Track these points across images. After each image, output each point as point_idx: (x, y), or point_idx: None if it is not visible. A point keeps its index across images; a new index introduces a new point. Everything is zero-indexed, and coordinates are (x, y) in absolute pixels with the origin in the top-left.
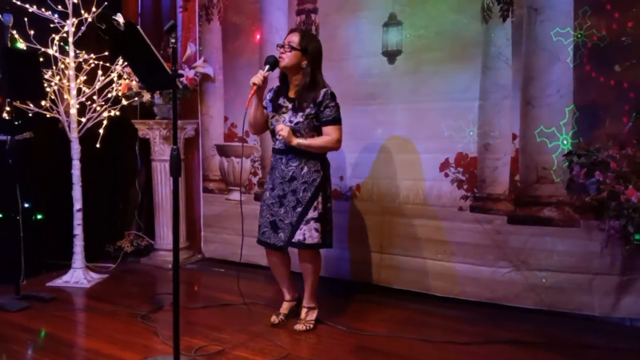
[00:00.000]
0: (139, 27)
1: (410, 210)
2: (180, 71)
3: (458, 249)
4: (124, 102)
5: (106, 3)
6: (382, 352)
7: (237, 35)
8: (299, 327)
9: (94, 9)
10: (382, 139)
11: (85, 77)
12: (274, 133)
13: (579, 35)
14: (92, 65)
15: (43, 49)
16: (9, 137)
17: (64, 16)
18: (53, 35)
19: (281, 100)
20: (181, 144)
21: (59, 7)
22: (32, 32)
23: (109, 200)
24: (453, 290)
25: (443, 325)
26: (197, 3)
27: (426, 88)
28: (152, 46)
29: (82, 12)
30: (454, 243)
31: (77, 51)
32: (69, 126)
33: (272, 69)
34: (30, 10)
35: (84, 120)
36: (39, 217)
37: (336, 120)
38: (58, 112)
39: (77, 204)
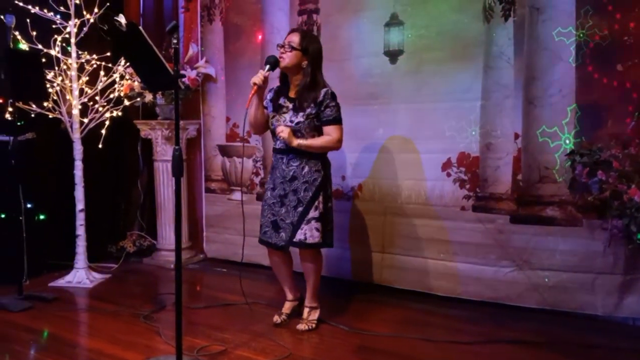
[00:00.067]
0: (140, 27)
1: (412, 210)
2: (182, 72)
3: (460, 248)
4: (126, 102)
5: (108, 4)
6: (385, 351)
7: (239, 36)
8: (301, 326)
9: (96, 10)
10: (383, 139)
11: (87, 78)
12: (274, 133)
13: (581, 35)
14: (95, 65)
15: (45, 50)
16: (11, 138)
17: (66, 17)
18: (55, 36)
19: (282, 100)
20: (183, 145)
21: (61, 8)
22: (34, 33)
23: (112, 201)
24: (455, 289)
25: (445, 325)
26: (198, 4)
27: (428, 88)
28: (154, 47)
29: (84, 13)
30: (456, 243)
31: (80, 52)
32: (71, 127)
33: (272, 68)
34: (33, 11)
35: (86, 120)
36: (42, 217)
37: (337, 120)
38: (60, 113)
39: (80, 205)
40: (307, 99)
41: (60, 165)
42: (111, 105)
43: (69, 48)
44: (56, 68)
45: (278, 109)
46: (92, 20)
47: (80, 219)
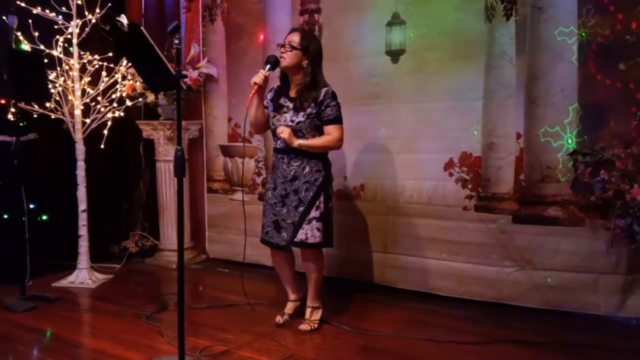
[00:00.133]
0: (142, 28)
1: (414, 209)
2: (184, 72)
3: (462, 248)
4: (128, 102)
5: (110, 4)
6: (387, 352)
7: (241, 36)
8: (304, 327)
9: (97, 10)
10: (385, 139)
11: (89, 78)
12: (275, 133)
13: (583, 34)
14: (96, 66)
15: (47, 51)
16: (14, 138)
17: (68, 17)
18: (57, 37)
19: (282, 100)
20: (185, 145)
21: (63, 8)
22: (36, 34)
23: (114, 201)
24: (457, 290)
25: (448, 325)
26: (200, 4)
27: (430, 87)
28: (155, 47)
29: (86, 13)
30: (458, 243)
31: (82, 52)
32: (73, 127)
33: (272, 68)
34: (35, 11)
35: (88, 121)
36: (44, 217)
37: (337, 120)
38: (62, 113)
39: (82, 205)
40: (308, 99)
41: (62, 165)
42: (113, 105)
43: (71, 48)
44: (58, 68)
45: (278, 108)
46: (93, 21)
47: (83, 219)
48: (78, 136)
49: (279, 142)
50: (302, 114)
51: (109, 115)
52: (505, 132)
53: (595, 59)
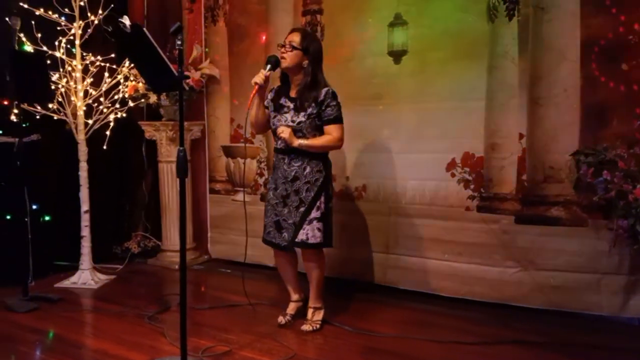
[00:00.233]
0: (145, 29)
1: (417, 210)
2: (186, 73)
3: (465, 249)
4: (131, 103)
5: (112, 5)
6: (389, 352)
7: (243, 37)
8: (306, 327)
9: (100, 12)
10: (388, 139)
11: (92, 79)
12: (275, 133)
13: (586, 34)
14: (99, 67)
15: (50, 52)
16: (16, 139)
17: (70, 19)
18: (60, 38)
19: (282, 100)
20: (187, 145)
21: (66, 9)
22: (39, 35)
23: (116, 202)
24: (460, 290)
25: (450, 325)
26: (202, 5)
27: (432, 88)
28: (158, 48)
29: (89, 14)
30: (460, 243)
31: (84, 53)
32: (76, 128)
33: (273, 68)
34: (38, 13)
35: (90, 122)
36: (47, 218)
37: (338, 119)
38: (65, 114)
39: (85, 206)
40: (308, 99)
41: (65, 166)
42: (116, 106)
43: (73, 50)
44: (61, 70)
45: (279, 108)
46: (96, 22)
47: (85, 220)
48: (80, 137)
49: (279, 142)
50: (302, 114)
51: (112, 116)
52: (508, 133)
53: (598, 59)
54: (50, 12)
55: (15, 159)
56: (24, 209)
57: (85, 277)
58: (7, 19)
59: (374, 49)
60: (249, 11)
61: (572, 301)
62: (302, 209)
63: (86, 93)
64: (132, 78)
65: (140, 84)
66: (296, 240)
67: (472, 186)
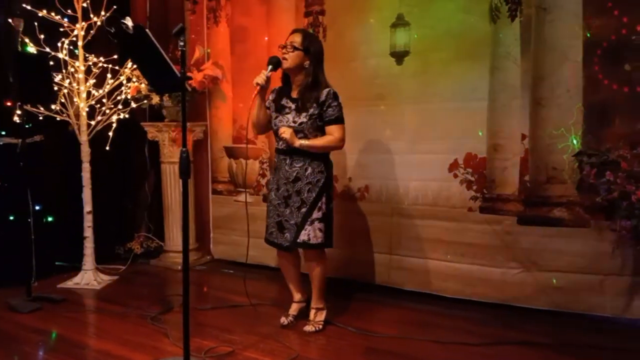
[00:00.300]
0: (147, 30)
1: (419, 211)
2: (188, 74)
3: (467, 250)
4: (133, 104)
5: (115, 7)
6: (392, 353)
7: (245, 38)
8: (308, 328)
9: (103, 13)
10: (390, 140)
11: (94, 80)
12: (277, 133)
13: (588, 35)
14: (102, 68)
15: (53, 53)
16: (19, 140)
17: (73, 20)
18: (63, 39)
19: (284, 101)
20: (190, 146)
21: (69, 11)
22: (42, 36)
23: (119, 203)
24: (463, 291)
25: (453, 326)
26: (205, 6)
27: (434, 88)
28: (160, 49)
29: (92, 16)
30: (463, 244)
31: (87, 54)
32: (78, 129)
33: (274, 69)
34: (40, 14)
35: (93, 123)
36: (50, 219)
37: (339, 120)
38: (68, 115)
39: (87, 206)
40: (310, 99)
41: (68, 167)
42: (118, 107)
43: (76, 51)
44: (64, 71)
45: (280, 109)
46: (99, 23)
47: (88, 220)
48: (83, 138)
49: (281, 142)
50: (304, 114)
51: (114, 117)
52: (511, 133)
53: (601, 59)
54: (53, 14)
55: (18, 160)
56: (26, 209)
57: (88, 277)
58: (10, 20)
59: (376, 50)
60: (251, 12)
61: (575, 302)
62: (303, 210)
63: (89, 94)
64: (134, 79)
65: (143, 85)
66: (298, 240)
67: (474, 187)
